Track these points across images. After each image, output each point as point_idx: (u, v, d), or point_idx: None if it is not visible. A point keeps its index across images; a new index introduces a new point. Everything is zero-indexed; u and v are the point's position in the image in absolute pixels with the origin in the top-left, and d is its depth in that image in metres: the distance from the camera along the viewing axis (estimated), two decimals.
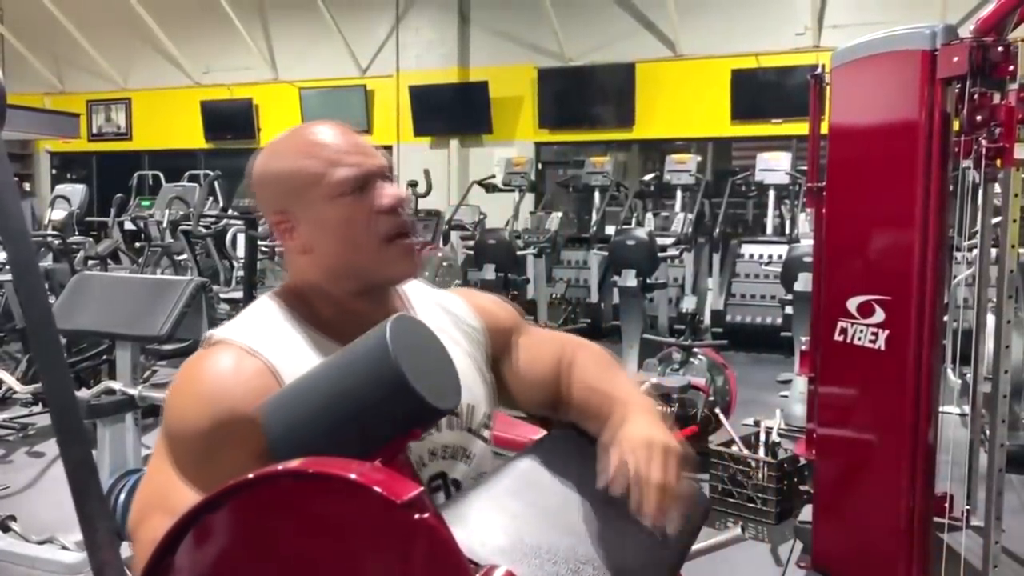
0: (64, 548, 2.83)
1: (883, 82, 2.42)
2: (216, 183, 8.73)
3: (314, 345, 1.08)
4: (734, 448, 3.96)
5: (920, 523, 2.34)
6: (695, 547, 1.13)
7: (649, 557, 0.97)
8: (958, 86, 2.20)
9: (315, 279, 1.13)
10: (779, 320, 7.21)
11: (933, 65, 2.22)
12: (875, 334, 2.38)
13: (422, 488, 0.65)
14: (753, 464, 3.80)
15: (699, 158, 8.62)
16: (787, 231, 7.95)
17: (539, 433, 1.31)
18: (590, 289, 8.41)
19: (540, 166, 10.22)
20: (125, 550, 1.59)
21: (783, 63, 8.83)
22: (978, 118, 2.18)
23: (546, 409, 1.29)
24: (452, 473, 1.15)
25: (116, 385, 2.92)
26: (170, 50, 11.98)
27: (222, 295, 6.30)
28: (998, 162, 2.20)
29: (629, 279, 5.73)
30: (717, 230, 7.93)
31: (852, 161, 2.58)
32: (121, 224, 9.66)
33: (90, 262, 6.88)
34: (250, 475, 0.68)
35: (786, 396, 5.40)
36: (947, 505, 2.48)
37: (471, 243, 7.49)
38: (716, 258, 8.03)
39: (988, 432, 2.41)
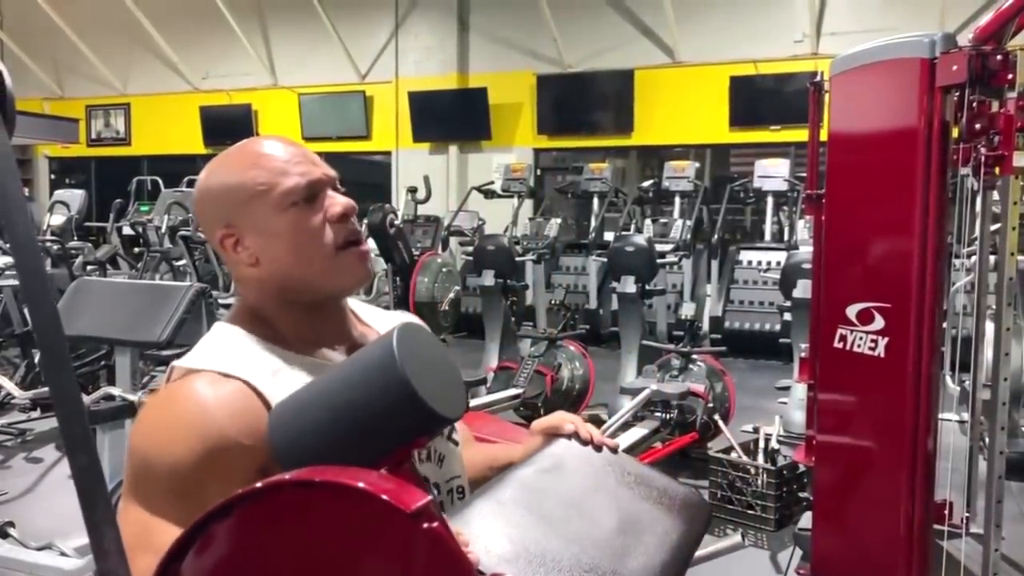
0: (63, 554, 2.82)
1: (882, 90, 2.43)
2: None
3: (284, 360, 1.06)
4: (733, 455, 3.96)
5: (920, 530, 2.34)
6: (695, 554, 1.12)
7: (653, 565, 0.97)
8: (957, 94, 2.21)
9: (266, 294, 1.11)
10: (778, 327, 7.22)
11: (932, 73, 2.23)
12: (874, 341, 2.39)
13: (430, 497, 0.65)
14: (752, 471, 3.80)
15: (698, 164, 8.64)
16: (786, 238, 7.97)
17: (525, 434, 1.31)
18: (589, 295, 8.42)
19: (539, 172, 10.24)
20: None
21: (782, 70, 8.86)
22: (977, 126, 2.19)
23: None
24: (427, 474, 1.13)
25: (115, 391, 2.92)
26: (169, 56, 11.99)
27: (221, 301, 6.29)
28: (997, 170, 2.20)
29: (628, 285, 5.73)
30: (716, 236, 7.94)
31: (851, 168, 2.58)
32: (120, 229, 9.65)
33: (89, 267, 6.88)
34: (258, 484, 0.68)
35: (785, 403, 5.40)
36: (947, 512, 2.48)
37: (470, 249, 7.49)
38: (715, 264, 8.04)
39: (987, 439, 2.41)
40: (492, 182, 9.26)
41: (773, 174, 8.00)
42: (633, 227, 8.33)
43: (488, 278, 6.39)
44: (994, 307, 2.45)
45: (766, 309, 7.72)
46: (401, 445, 0.81)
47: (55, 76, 13.28)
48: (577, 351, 5.39)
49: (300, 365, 1.05)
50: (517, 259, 6.85)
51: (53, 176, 13.82)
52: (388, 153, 11.15)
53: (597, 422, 4.38)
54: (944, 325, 2.52)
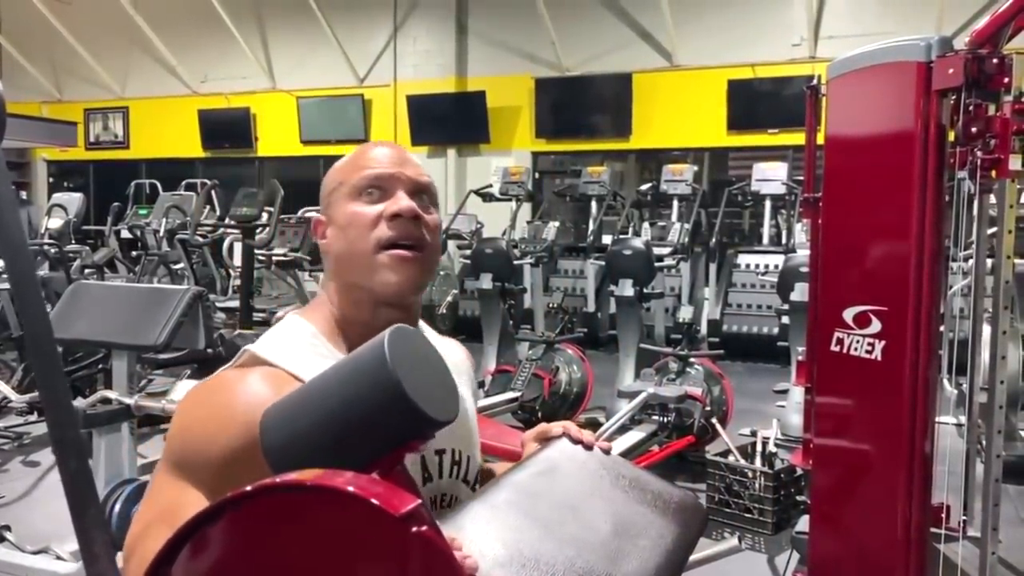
0: (59, 558, 2.82)
1: (879, 93, 2.43)
2: (213, 192, 8.73)
3: None
4: (731, 458, 3.96)
5: (917, 533, 2.34)
6: (692, 557, 1.12)
7: (647, 568, 0.97)
8: (953, 98, 2.21)
9: (336, 287, 1.13)
10: (776, 330, 7.23)
11: (929, 77, 2.23)
12: (871, 344, 2.39)
13: (420, 500, 0.65)
14: (750, 474, 3.80)
15: (696, 168, 8.65)
16: (783, 241, 7.98)
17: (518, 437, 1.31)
18: (587, 298, 8.42)
19: (537, 175, 10.24)
20: (120, 560, 1.58)
21: (779, 73, 8.88)
22: (973, 129, 2.19)
23: None
24: None
25: (112, 394, 2.91)
26: (168, 59, 11.99)
27: (219, 304, 6.29)
28: (993, 173, 2.20)
29: (626, 289, 5.73)
30: (714, 240, 7.95)
31: (848, 172, 2.58)
32: (118, 233, 9.65)
33: (87, 271, 6.87)
34: (247, 487, 0.68)
35: (783, 406, 5.40)
36: (944, 515, 2.48)
37: (468, 252, 7.49)
38: (713, 268, 8.05)
39: (984, 442, 2.41)
40: (490, 185, 9.27)
41: (771, 177, 8.01)
42: (631, 230, 8.33)
43: (486, 281, 6.39)
44: (991, 310, 2.45)
45: (764, 312, 7.73)
46: (393, 448, 0.80)
47: (53, 79, 13.28)
48: (575, 354, 5.39)
49: None
50: (515, 262, 6.86)
51: (51, 179, 13.82)
52: None
53: (595, 425, 4.38)
54: (941, 328, 2.52)
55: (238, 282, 6.58)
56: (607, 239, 8.09)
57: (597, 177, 8.79)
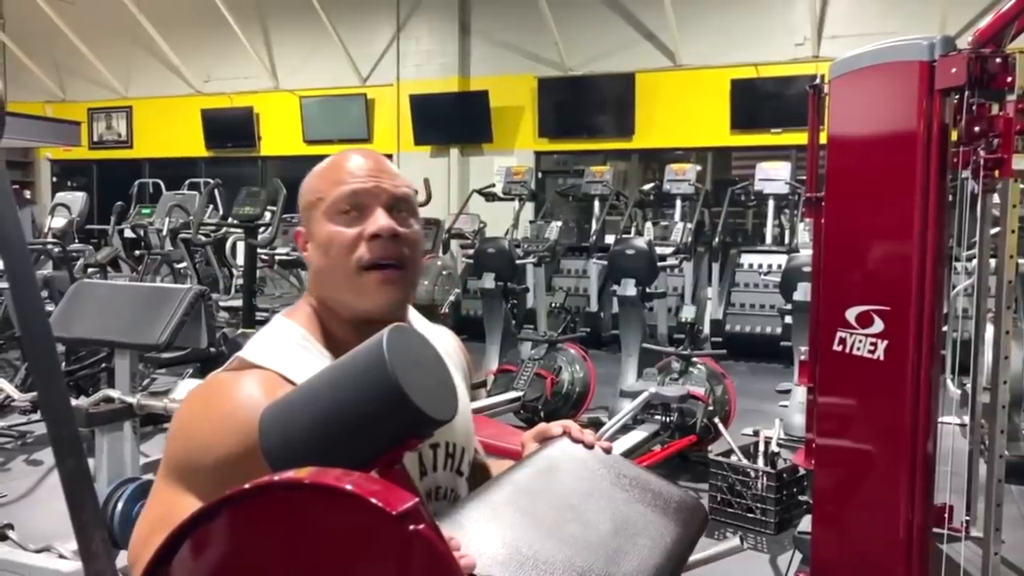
0: (61, 557, 2.82)
1: (882, 93, 2.42)
2: (216, 191, 8.73)
3: None
4: (733, 458, 3.96)
5: (919, 534, 2.33)
6: (693, 557, 1.12)
7: (646, 568, 0.97)
8: (956, 97, 2.21)
9: (320, 299, 1.13)
10: (778, 330, 7.21)
11: (931, 76, 2.22)
12: (874, 344, 2.38)
13: (418, 499, 0.65)
14: (752, 474, 3.80)
15: (699, 168, 8.64)
16: (786, 241, 7.97)
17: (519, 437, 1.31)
18: (589, 298, 8.41)
19: (540, 175, 10.24)
20: (120, 559, 1.58)
21: (782, 73, 8.87)
22: (976, 129, 2.18)
23: None
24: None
25: (114, 393, 2.92)
26: (171, 59, 12.01)
27: (221, 303, 6.29)
28: (996, 173, 2.20)
29: (628, 288, 5.73)
30: (716, 240, 7.94)
31: (851, 171, 2.58)
32: (121, 232, 9.67)
33: (90, 270, 6.88)
34: (246, 485, 0.68)
35: (785, 406, 5.40)
36: (946, 516, 2.47)
37: (471, 252, 7.50)
38: (715, 268, 8.04)
39: (987, 443, 2.40)
40: (493, 185, 9.27)
41: (774, 177, 8.00)
42: (634, 230, 8.33)
43: (489, 281, 6.39)
44: (994, 310, 2.44)
45: (767, 312, 7.72)
46: (391, 446, 0.80)
47: (57, 79, 13.31)
48: (577, 354, 5.39)
49: None
50: (518, 262, 6.85)
51: (55, 179, 13.85)
52: (389, 156, 11.09)
53: (597, 425, 4.37)
54: (944, 328, 2.51)
55: (241, 281, 6.58)
56: (610, 239, 8.08)
57: (600, 177, 8.78)
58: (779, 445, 4.13)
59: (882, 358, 2.36)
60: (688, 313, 7.95)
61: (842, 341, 2.48)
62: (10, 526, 3.06)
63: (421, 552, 0.64)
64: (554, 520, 0.97)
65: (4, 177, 0.68)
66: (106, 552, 0.70)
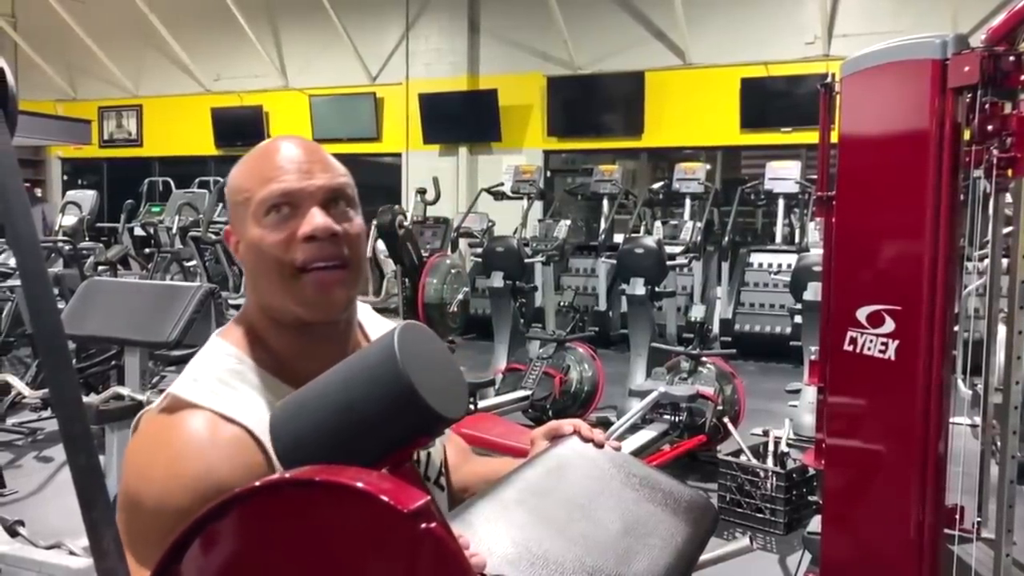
0: (72, 553, 2.83)
1: (893, 91, 2.41)
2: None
3: (275, 394, 0.98)
4: (743, 458, 3.95)
5: (930, 535, 2.32)
6: (703, 557, 1.12)
7: (657, 568, 0.97)
8: (969, 96, 2.19)
9: (257, 307, 1.05)
10: (788, 329, 7.19)
11: (944, 74, 2.21)
12: (885, 344, 2.37)
13: (429, 497, 0.65)
14: (762, 474, 3.79)
15: (708, 167, 8.63)
16: (796, 240, 7.94)
17: (528, 435, 1.30)
18: (598, 297, 8.41)
19: (549, 174, 10.24)
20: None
21: (793, 72, 8.84)
22: (989, 128, 2.17)
23: None
24: None
25: (125, 391, 2.93)
26: (181, 58, 12.06)
27: (231, 301, 6.31)
28: (1009, 172, 2.18)
29: (637, 287, 5.72)
30: (726, 239, 7.92)
31: (862, 170, 2.57)
32: (131, 230, 9.72)
33: (100, 268, 6.91)
34: (256, 483, 0.68)
35: (795, 406, 5.38)
36: (957, 517, 2.46)
37: (479, 250, 7.50)
38: (725, 267, 8.02)
39: (999, 443, 2.39)
40: (502, 184, 9.27)
41: (784, 176, 7.98)
42: (643, 229, 8.32)
43: (497, 280, 6.39)
44: (1006, 310, 2.42)
45: (777, 312, 7.70)
46: (402, 445, 0.80)
47: (68, 78, 13.37)
48: (586, 353, 5.38)
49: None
50: (526, 261, 6.86)
51: (66, 177, 13.93)
52: (398, 155, 11.18)
53: (606, 424, 4.37)
54: (956, 328, 2.50)
55: None
56: (619, 238, 8.08)
57: (609, 176, 8.77)
58: (789, 445, 4.12)
59: (893, 358, 2.35)
60: (697, 312, 7.93)
61: (853, 341, 2.47)
62: (21, 522, 3.07)
63: (432, 550, 0.64)
64: (564, 519, 0.97)
65: (16, 175, 0.68)
66: (117, 549, 0.70)
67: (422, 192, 8.90)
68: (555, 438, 1.17)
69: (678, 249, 7.47)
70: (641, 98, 9.68)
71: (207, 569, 0.70)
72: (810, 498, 3.72)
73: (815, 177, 4.16)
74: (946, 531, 2.41)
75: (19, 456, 4.72)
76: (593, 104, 10.02)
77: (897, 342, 2.34)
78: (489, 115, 10.23)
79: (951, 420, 2.37)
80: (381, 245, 6.86)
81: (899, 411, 2.37)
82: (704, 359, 4.78)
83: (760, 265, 8.13)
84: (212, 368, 1.02)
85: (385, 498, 0.64)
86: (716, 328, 7.99)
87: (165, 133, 12.91)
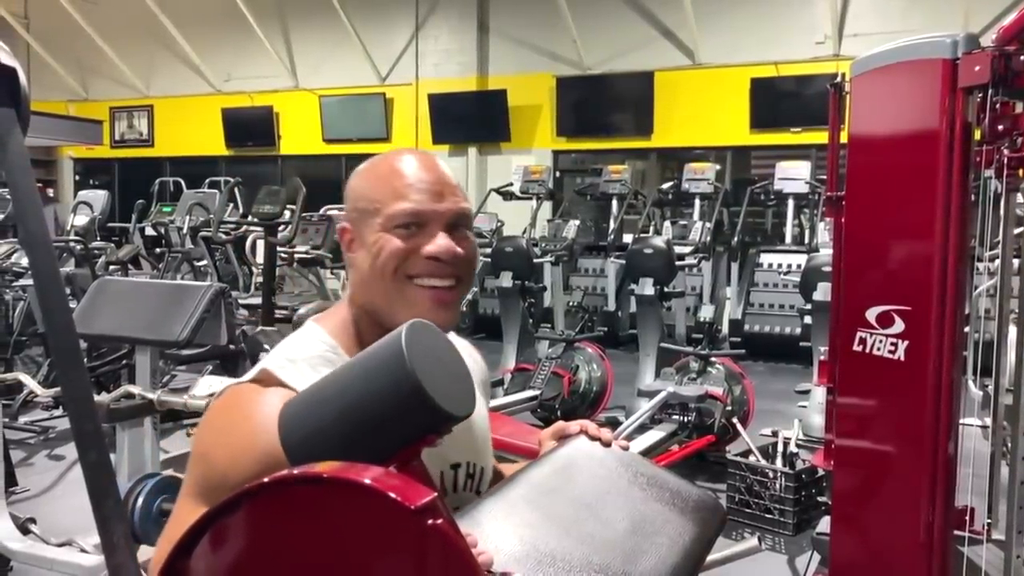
0: (83, 551, 2.86)
1: (904, 91, 2.40)
2: (236, 189, 8.80)
3: None
4: (752, 458, 3.94)
5: (940, 536, 2.31)
6: (711, 557, 1.12)
7: (664, 567, 0.97)
8: (980, 95, 2.18)
9: (360, 303, 1.11)
10: (798, 330, 7.17)
11: (954, 74, 2.20)
12: (895, 344, 2.36)
13: (436, 493, 0.65)
14: (771, 474, 3.78)
15: (718, 167, 8.60)
16: (806, 240, 7.91)
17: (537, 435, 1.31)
18: (607, 297, 8.40)
19: (558, 174, 10.23)
20: (141, 553, 1.60)
21: (803, 72, 8.81)
22: (1000, 127, 2.16)
23: None
24: None
25: (135, 389, 2.94)
26: (192, 58, 12.10)
27: (241, 301, 6.33)
28: (1020, 172, 2.17)
29: (646, 288, 5.71)
30: (735, 239, 7.91)
31: (872, 170, 2.56)
32: (142, 230, 9.76)
33: (111, 267, 6.94)
34: (265, 479, 0.68)
35: (804, 406, 5.37)
36: (967, 518, 2.45)
37: (488, 251, 7.52)
38: (734, 267, 8.01)
39: (1009, 445, 2.38)
40: (511, 184, 9.27)
41: (794, 176, 7.95)
42: (652, 229, 8.31)
43: (506, 280, 6.40)
44: (1017, 311, 2.41)
45: (786, 312, 7.67)
46: (410, 442, 0.81)
47: (79, 78, 13.44)
48: (595, 353, 5.38)
49: None
50: (535, 261, 6.86)
51: (77, 177, 14.00)
52: None
53: (614, 424, 4.37)
54: (966, 329, 2.49)
55: (260, 279, 6.62)
56: (628, 238, 8.06)
57: (618, 176, 8.76)
58: (798, 446, 4.11)
59: (903, 359, 2.34)
60: (706, 313, 7.91)
61: (862, 341, 2.46)
62: (33, 520, 3.10)
63: (439, 547, 0.64)
64: (571, 518, 0.97)
65: (30, 175, 0.69)
66: (127, 546, 0.71)
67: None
68: (562, 438, 1.18)
69: (687, 249, 7.45)
70: (650, 98, 9.66)
71: (217, 563, 0.71)
72: (819, 499, 3.71)
73: (825, 177, 4.15)
74: (956, 533, 2.40)
75: (31, 454, 4.75)
76: (602, 104, 10.01)
77: (907, 343, 2.33)
78: (498, 115, 10.23)
79: (961, 421, 2.36)
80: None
81: (909, 412, 2.36)
82: (713, 359, 4.77)
83: (770, 265, 8.10)
84: (306, 352, 1.08)
85: (392, 494, 0.64)
86: (725, 328, 7.98)
87: (176, 133, 12.96)
